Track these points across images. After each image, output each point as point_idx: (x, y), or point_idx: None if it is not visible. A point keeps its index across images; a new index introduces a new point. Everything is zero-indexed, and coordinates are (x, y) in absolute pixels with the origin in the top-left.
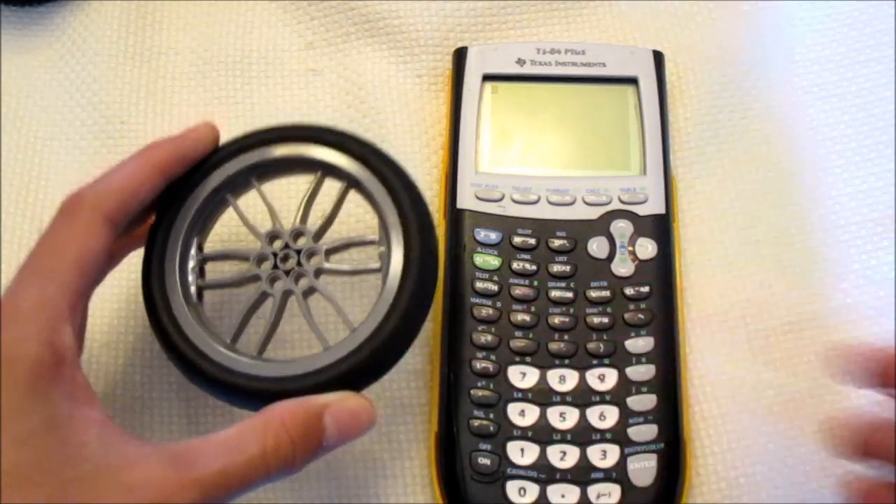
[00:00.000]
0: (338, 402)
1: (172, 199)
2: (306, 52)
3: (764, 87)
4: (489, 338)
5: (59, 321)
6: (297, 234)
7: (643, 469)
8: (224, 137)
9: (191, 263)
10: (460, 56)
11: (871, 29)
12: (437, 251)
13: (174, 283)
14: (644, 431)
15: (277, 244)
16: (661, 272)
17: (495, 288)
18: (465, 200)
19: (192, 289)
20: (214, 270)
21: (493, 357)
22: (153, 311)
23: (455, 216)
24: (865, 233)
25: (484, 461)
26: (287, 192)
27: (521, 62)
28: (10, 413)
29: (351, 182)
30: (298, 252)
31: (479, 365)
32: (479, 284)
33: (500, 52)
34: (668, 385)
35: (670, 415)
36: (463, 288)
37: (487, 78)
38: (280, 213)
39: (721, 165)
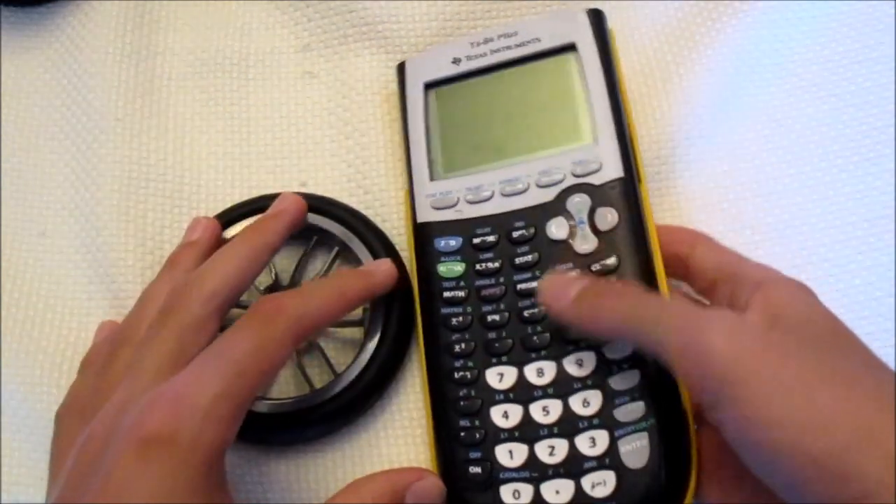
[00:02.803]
0: (419, 482)
1: None
2: (303, 55)
3: (763, 87)
4: (464, 345)
5: (237, 418)
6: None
7: (636, 450)
8: (224, 138)
9: None
10: (401, 71)
11: (871, 29)
12: (414, 312)
13: None
14: (631, 410)
15: None
16: (628, 239)
17: (462, 294)
18: (424, 213)
19: None
20: None
21: (470, 364)
22: None
23: (417, 231)
24: (864, 233)
25: (475, 469)
26: (283, 254)
27: (456, 61)
28: (183, 493)
29: (341, 246)
30: None
31: (457, 374)
32: (447, 294)
33: (436, 56)
34: (650, 358)
35: (656, 389)
36: (435, 301)
37: (429, 86)
38: (277, 270)
39: (720, 165)
